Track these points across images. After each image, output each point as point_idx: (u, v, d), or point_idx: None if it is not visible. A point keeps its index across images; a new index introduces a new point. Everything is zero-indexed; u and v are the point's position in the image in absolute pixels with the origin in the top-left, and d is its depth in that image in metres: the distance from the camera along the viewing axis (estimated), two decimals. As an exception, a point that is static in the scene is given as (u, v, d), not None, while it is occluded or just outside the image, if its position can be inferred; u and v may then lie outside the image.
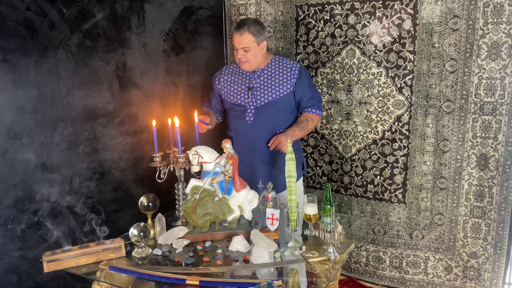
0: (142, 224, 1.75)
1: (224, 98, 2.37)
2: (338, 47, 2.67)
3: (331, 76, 2.73)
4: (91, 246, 1.68)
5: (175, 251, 1.76)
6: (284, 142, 2.14)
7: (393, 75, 2.53)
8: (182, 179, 1.99)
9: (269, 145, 2.22)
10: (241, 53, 2.20)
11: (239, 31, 2.18)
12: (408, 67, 2.48)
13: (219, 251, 1.75)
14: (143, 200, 1.92)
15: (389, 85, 2.55)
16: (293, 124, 2.32)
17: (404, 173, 2.61)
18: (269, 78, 2.29)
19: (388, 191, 2.68)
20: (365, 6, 2.53)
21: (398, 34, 2.47)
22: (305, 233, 1.91)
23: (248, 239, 1.79)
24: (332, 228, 1.74)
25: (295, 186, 1.92)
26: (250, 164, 2.27)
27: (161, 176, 1.96)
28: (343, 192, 2.85)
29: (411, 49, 2.45)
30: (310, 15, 2.72)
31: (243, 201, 1.92)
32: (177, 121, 1.92)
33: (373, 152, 2.69)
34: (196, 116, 2.02)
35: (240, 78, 2.33)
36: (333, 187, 2.87)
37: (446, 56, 2.37)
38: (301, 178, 2.49)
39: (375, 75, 2.58)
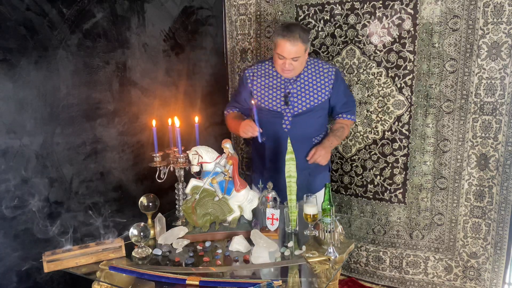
0: (142, 224, 1.75)
1: (257, 101, 2.24)
2: (338, 47, 2.66)
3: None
4: (91, 246, 1.68)
5: (175, 251, 1.76)
6: (324, 155, 2.12)
7: (393, 75, 2.53)
8: (182, 179, 1.99)
9: (308, 158, 2.16)
10: (289, 62, 2.07)
11: (290, 41, 2.02)
12: (408, 67, 2.48)
13: (219, 251, 1.75)
14: (143, 200, 1.92)
15: (389, 85, 2.55)
16: (329, 134, 2.26)
17: (404, 173, 2.61)
18: (306, 84, 2.19)
19: (388, 191, 2.68)
20: (365, 6, 2.53)
21: (398, 34, 2.47)
22: (305, 233, 1.91)
23: (248, 239, 1.79)
24: (332, 228, 1.74)
25: (295, 186, 1.92)
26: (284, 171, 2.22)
27: (161, 176, 1.96)
28: (343, 192, 2.84)
29: (411, 49, 2.45)
30: (310, 15, 2.72)
31: (243, 201, 1.93)
32: (177, 121, 1.92)
33: (373, 152, 2.69)
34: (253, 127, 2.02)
35: (275, 83, 2.22)
36: (333, 187, 2.87)
37: (446, 56, 2.37)
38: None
39: (375, 75, 2.58)
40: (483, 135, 2.36)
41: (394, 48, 2.50)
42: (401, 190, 2.64)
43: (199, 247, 1.79)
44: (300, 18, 2.76)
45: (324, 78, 2.21)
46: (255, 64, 2.33)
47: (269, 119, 2.23)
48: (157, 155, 1.96)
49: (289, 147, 1.94)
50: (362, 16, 2.55)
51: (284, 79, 2.20)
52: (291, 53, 2.04)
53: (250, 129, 2.05)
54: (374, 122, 2.64)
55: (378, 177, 2.70)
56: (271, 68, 2.24)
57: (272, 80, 2.23)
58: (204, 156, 1.87)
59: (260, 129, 2.02)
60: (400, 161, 2.61)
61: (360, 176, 2.76)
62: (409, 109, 2.53)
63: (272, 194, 1.88)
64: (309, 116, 2.21)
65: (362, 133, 2.69)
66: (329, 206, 1.77)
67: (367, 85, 2.61)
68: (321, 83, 2.20)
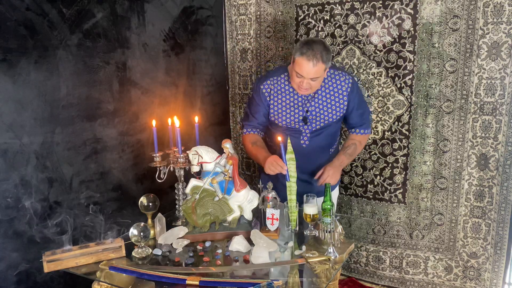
0: (142, 224, 1.75)
1: (273, 119, 2.16)
2: (338, 47, 2.66)
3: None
4: (91, 246, 1.68)
5: (175, 251, 1.76)
6: (333, 175, 2.04)
7: (393, 75, 2.53)
8: (182, 179, 1.99)
9: (316, 177, 2.08)
10: (307, 82, 1.95)
11: (310, 60, 1.88)
12: (408, 67, 2.48)
13: (219, 251, 1.75)
14: (143, 200, 1.92)
15: (389, 85, 2.55)
16: (340, 152, 2.20)
17: (404, 173, 2.61)
18: (324, 100, 2.10)
19: (388, 191, 2.68)
20: (365, 6, 2.53)
21: (398, 34, 2.47)
22: (305, 233, 1.92)
23: (248, 239, 1.79)
24: (332, 228, 1.74)
25: (295, 186, 1.93)
26: (306, 180, 2.17)
27: (161, 176, 1.96)
28: (343, 192, 2.84)
29: (411, 49, 2.45)
30: (310, 15, 2.72)
31: (243, 201, 1.93)
32: (177, 121, 1.92)
33: (373, 152, 2.69)
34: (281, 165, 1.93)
35: (292, 100, 2.11)
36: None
37: (446, 56, 2.37)
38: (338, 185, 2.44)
39: (375, 75, 2.58)
40: (483, 135, 2.36)
41: (394, 48, 2.50)
42: (401, 190, 2.64)
43: (199, 247, 1.79)
44: (300, 18, 2.76)
45: (341, 92, 2.10)
46: (268, 77, 2.16)
47: (286, 134, 2.17)
48: (157, 155, 1.96)
49: (289, 147, 1.95)
50: (362, 16, 2.55)
51: (301, 96, 2.10)
52: (310, 73, 1.91)
53: (278, 168, 1.94)
54: (374, 122, 2.64)
55: (378, 177, 2.70)
56: (287, 83, 2.11)
57: (289, 97, 2.11)
58: (204, 156, 1.87)
59: (287, 167, 1.93)
60: (400, 161, 2.61)
61: (360, 176, 2.76)
62: (409, 109, 2.53)
63: (272, 194, 1.88)
64: (326, 130, 2.16)
65: (362, 133, 2.69)
66: (329, 206, 1.78)
67: (367, 85, 2.61)
68: (339, 97, 2.10)
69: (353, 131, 2.25)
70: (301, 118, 2.11)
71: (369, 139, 2.67)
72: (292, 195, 1.91)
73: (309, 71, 1.91)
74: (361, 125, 2.22)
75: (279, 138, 1.94)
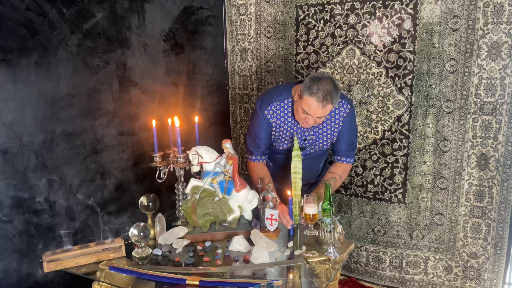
0: (142, 224, 1.75)
1: (272, 140, 2.17)
2: (338, 47, 2.66)
3: (331, 76, 2.72)
4: (91, 246, 1.68)
5: (175, 251, 1.76)
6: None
7: (393, 75, 2.53)
8: (182, 179, 1.99)
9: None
10: (313, 119, 1.92)
11: (320, 103, 1.84)
12: (408, 67, 2.48)
13: (219, 251, 1.75)
14: (143, 200, 1.92)
15: (389, 85, 2.55)
16: (319, 186, 2.14)
17: (404, 173, 2.61)
18: (321, 128, 2.09)
19: (388, 191, 2.68)
20: (365, 6, 2.53)
21: (398, 34, 2.47)
22: (305, 233, 1.92)
23: (248, 239, 1.80)
24: (332, 228, 1.74)
25: (300, 182, 1.94)
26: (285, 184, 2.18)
27: (161, 176, 1.96)
28: (343, 192, 2.84)
29: (411, 49, 2.45)
30: (310, 15, 2.72)
31: (243, 201, 1.93)
32: (177, 121, 1.92)
33: (373, 152, 2.69)
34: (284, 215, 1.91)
35: (292, 127, 2.09)
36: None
37: (446, 56, 2.37)
38: None
39: (375, 75, 2.58)
40: (483, 135, 2.36)
41: (394, 48, 2.50)
42: (401, 190, 2.64)
43: (199, 247, 1.79)
44: (300, 18, 2.76)
45: (338, 117, 2.08)
46: (272, 101, 2.08)
47: (281, 154, 2.23)
48: (157, 155, 1.96)
49: (296, 144, 1.97)
50: (362, 16, 2.55)
51: (301, 127, 2.08)
52: (318, 113, 1.88)
53: (284, 221, 1.90)
54: (374, 122, 2.64)
55: (378, 177, 2.70)
56: (290, 110, 2.07)
57: (290, 125, 2.09)
58: (204, 156, 1.87)
59: (292, 221, 1.92)
60: (400, 161, 2.61)
61: (360, 176, 2.76)
62: (409, 109, 2.52)
63: (271, 195, 1.89)
64: (318, 155, 2.23)
65: (362, 133, 2.69)
66: (329, 206, 1.78)
67: (367, 85, 2.61)
68: (334, 125, 2.10)
69: (338, 158, 2.19)
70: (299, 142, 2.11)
71: (369, 139, 2.67)
72: (297, 191, 1.94)
73: (317, 111, 1.87)
74: (347, 155, 2.18)
75: (289, 192, 1.93)
